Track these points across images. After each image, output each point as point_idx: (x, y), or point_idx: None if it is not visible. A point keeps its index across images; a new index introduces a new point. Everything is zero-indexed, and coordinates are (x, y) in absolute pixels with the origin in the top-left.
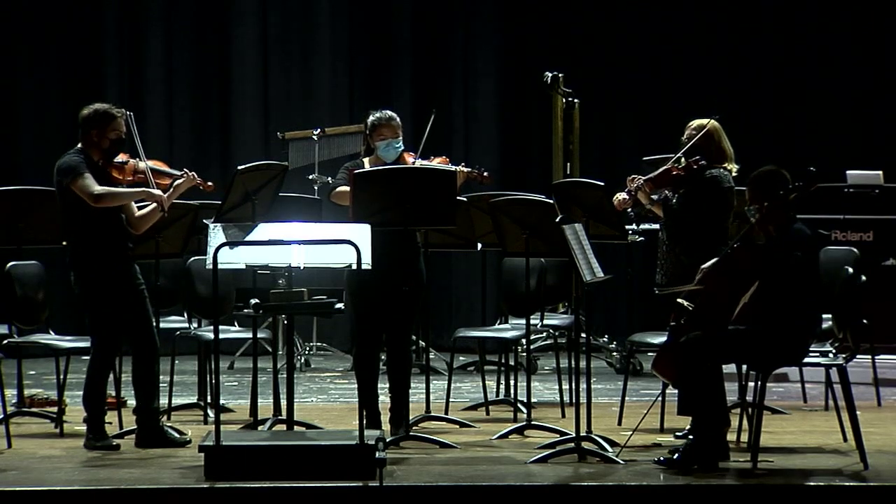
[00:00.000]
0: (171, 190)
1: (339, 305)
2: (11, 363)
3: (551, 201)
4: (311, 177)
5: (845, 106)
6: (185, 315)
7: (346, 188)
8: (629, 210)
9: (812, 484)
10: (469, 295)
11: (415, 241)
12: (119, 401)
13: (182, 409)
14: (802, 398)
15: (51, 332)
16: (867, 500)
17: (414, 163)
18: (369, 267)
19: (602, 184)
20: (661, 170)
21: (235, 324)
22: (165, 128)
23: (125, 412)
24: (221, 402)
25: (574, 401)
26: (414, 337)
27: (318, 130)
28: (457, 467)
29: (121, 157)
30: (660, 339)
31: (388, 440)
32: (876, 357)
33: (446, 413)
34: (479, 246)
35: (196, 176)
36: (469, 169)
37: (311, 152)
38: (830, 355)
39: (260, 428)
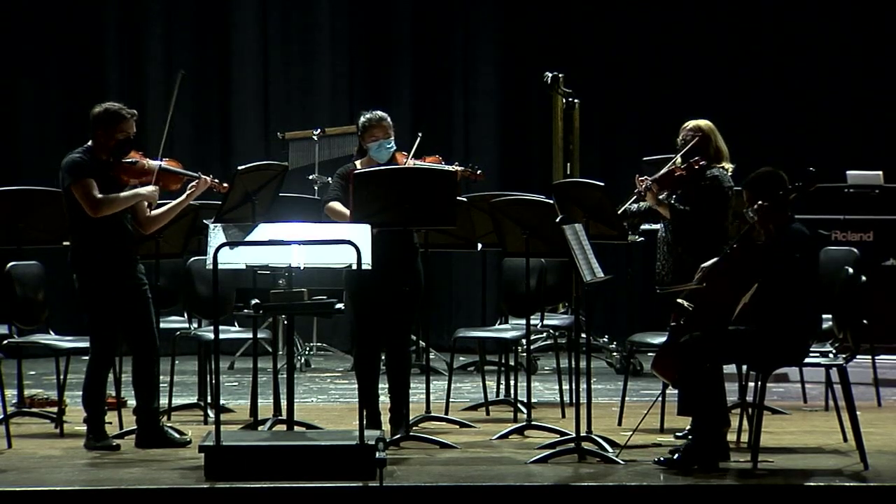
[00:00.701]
0: (186, 194)
1: (339, 306)
2: (11, 363)
3: (551, 201)
4: (311, 177)
5: (845, 106)
6: (185, 315)
7: (337, 204)
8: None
9: (812, 484)
10: (469, 295)
11: (412, 242)
12: (119, 401)
13: (182, 409)
14: (802, 398)
15: (51, 332)
16: (867, 500)
17: (406, 163)
18: (369, 267)
19: (602, 184)
20: (664, 171)
21: (235, 324)
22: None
23: (125, 412)
24: (221, 402)
25: (574, 401)
26: (414, 337)
27: (318, 130)
28: (457, 467)
29: (132, 157)
30: (660, 339)
31: (388, 440)
32: (876, 357)
33: (446, 413)
34: (480, 246)
35: (210, 178)
36: (462, 167)
37: (311, 152)
38: (830, 355)
39: (260, 428)
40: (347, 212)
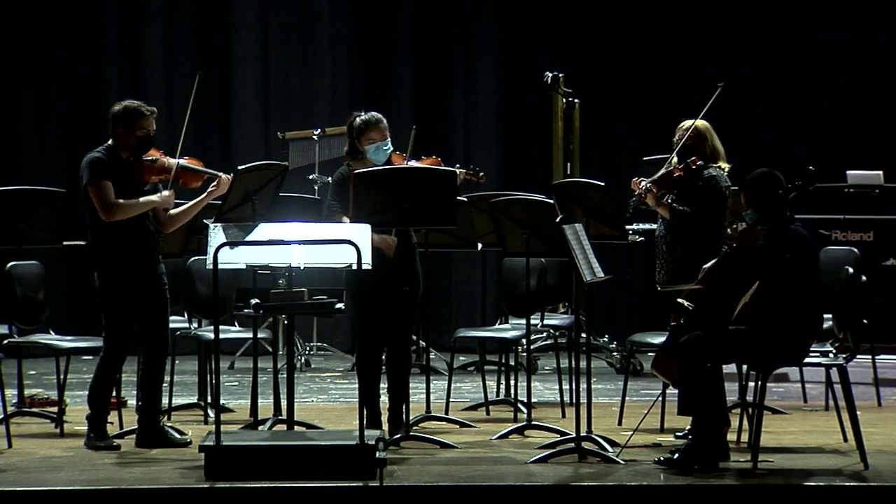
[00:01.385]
0: (207, 193)
1: (340, 305)
2: (11, 363)
3: (551, 201)
4: (311, 177)
5: (845, 106)
6: (186, 315)
7: (345, 219)
8: (630, 209)
9: (812, 484)
10: (469, 295)
11: (411, 242)
12: (119, 401)
13: (182, 409)
14: (802, 398)
15: (51, 332)
16: (867, 500)
17: (404, 164)
18: (370, 267)
19: (602, 184)
20: (662, 172)
21: (236, 324)
22: (166, 128)
23: (125, 412)
24: (221, 402)
25: (574, 401)
26: (414, 337)
27: (318, 130)
28: (457, 467)
29: (152, 154)
30: (660, 339)
31: (388, 440)
32: (876, 357)
33: (446, 413)
34: (480, 246)
35: (231, 178)
36: (464, 170)
37: (311, 152)
38: (830, 355)
39: (260, 428)
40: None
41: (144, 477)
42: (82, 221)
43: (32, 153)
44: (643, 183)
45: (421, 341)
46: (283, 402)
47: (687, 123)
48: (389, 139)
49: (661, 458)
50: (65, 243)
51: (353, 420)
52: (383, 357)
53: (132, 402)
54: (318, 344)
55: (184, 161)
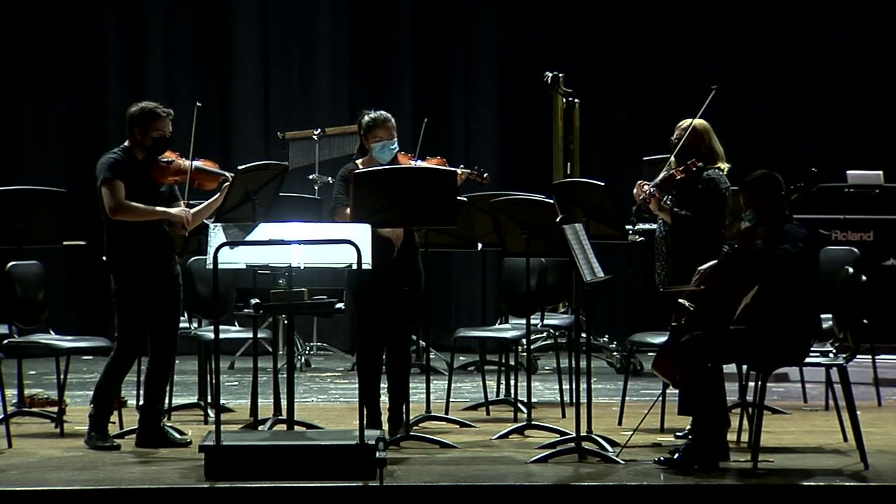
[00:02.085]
0: (219, 194)
1: (340, 305)
2: (11, 363)
3: (551, 201)
4: (311, 177)
5: (845, 106)
6: (186, 315)
7: (348, 210)
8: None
9: (812, 484)
10: (469, 295)
11: (413, 241)
12: (119, 401)
13: (182, 409)
14: (802, 398)
15: (51, 332)
16: (867, 500)
17: (409, 163)
18: (370, 267)
19: (602, 184)
20: (664, 176)
21: (236, 324)
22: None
23: (125, 412)
24: (221, 402)
25: (574, 401)
26: (414, 337)
27: (318, 130)
28: (457, 467)
29: (168, 156)
30: (660, 339)
31: (388, 440)
32: (876, 357)
33: (446, 413)
34: (480, 246)
35: None
36: (468, 170)
37: (311, 152)
38: (830, 355)
39: (260, 428)
40: None
41: (144, 477)
42: (82, 221)
43: (32, 153)
44: (646, 188)
45: (421, 341)
46: (283, 402)
47: (685, 123)
48: (396, 139)
49: (661, 458)
50: (65, 243)
51: (353, 420)
52: (383, 357)
53: (132, 402)
54: (318, 344)
55: (199, 163)
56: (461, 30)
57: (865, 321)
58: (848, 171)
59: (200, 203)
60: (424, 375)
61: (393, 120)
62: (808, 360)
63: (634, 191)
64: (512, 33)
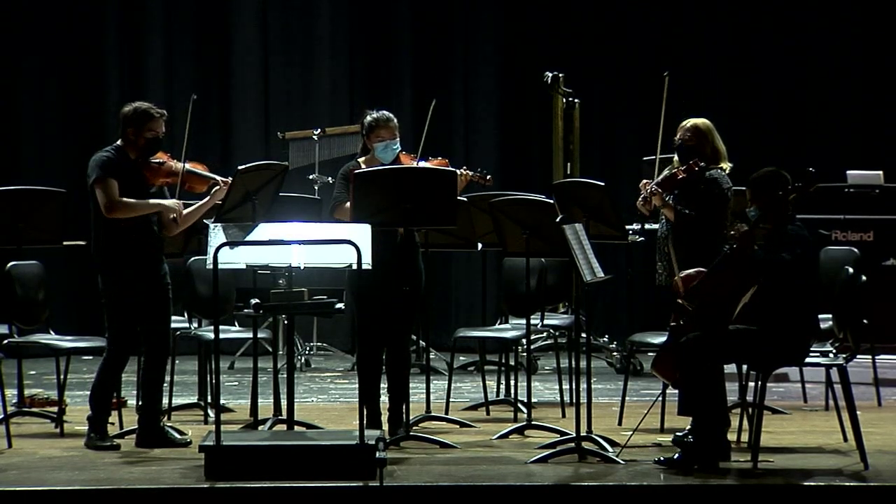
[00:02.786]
0: (209, 197)
1: (340, 305)
2: (11, 363)
3: (551, 201)
4: (311, 177)
5: (845, 106)
6: (186, 315)
7: (347, 205)
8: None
9: (812, 484)
10: (469, 295)
11: (413, 241)
12: (119, 401)
13: (182, 409)
14: (802, 398)
15: (51, 332)
16: (867, 500)
17: (412, 164)
18: (370, 267)
19: (602, 184)
20: (666, 174)
21: (236, 324)
22: (166, 128)
23: (125, 412)
24: (221, 402)
25: (574, 401)
26: (414, 337)
27: (318, 130)
28: (457, 467)
29: (159, 157)
30: (660, 339)
31: (388, 440)
32: (876, 357)
33: (446, 413)
34: (480, 246)
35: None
36: (471, 172)
37: (311, 152)
38: (830, 355)
39: (260, 428)
40: None
41: (144, 477)
42: (82, 221)
43: (32, 153)
44: (650, 186)
45: (421, 341)
46: (283, 402)
47: (688, 122)
48: (398, 139)
49: (661, 458)
50: (65, 243)
51: (353, 420)
52: (384, 357)
53: (132, 402)
54: (318, 344)
55: (189, 165)
56: (461, 30)
57: (865, 321)
58: (848, 171)
59: (191, 204)
60: (424, 375)
61: (395, 120)
62: (808, 360)
63: (640, 187)
64: (512, 33)
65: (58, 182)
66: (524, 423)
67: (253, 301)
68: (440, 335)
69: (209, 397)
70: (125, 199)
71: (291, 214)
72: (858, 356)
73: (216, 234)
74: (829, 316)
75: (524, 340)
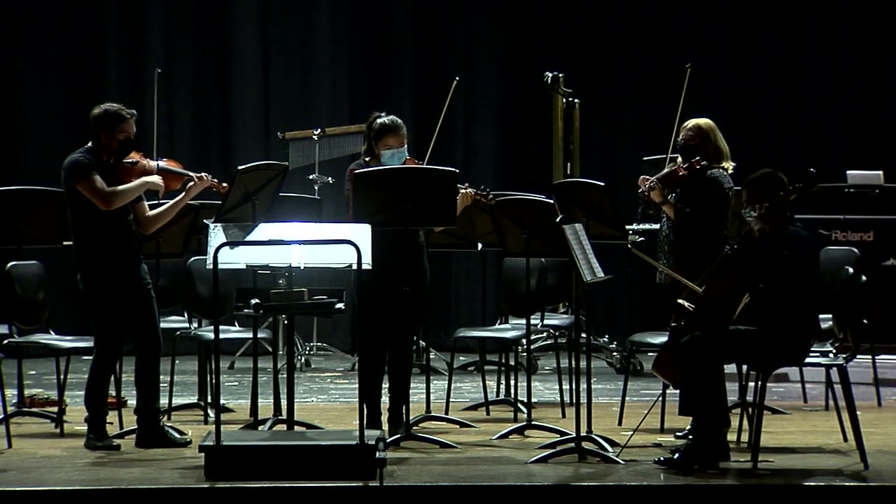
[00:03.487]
0: (184, 193)
1: (340, 305)
2: (11, 363)
3: (551, 201)
4: (311, 177)
5: (845, 106)
6: (186, 315)
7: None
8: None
9: (812, 484)
10: (469, 295)
11: (418, 240)
12: (119, 401)
13: (182, 409)
14: (802, 398)
15: (51, 332)
16: (867, 500)
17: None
18: (370, 267)
19: (602, 184)
20: (667, 171)
21: (236, 324)
22: (166, 128)
23: (125, 412)
24: (221, 402)
25: (574, 401)
26: (414, 337)
27: (318, 130)
28: (457, 467)
29: (132, 157)
30: (660, 339)
31: (388, 440)
32: (876, 357)
33: (446, 413)
34: (480, 246)
35: (209, 177)
36: (473, 190)
37: (311, 152)
38: (830, 355)
39: (260, 428)
40: None
41: (144, 477)
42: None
43: (32, 153)
44: (649, 181)
45: (421, 341)
46: (283, 402)
47: (691, 122)
48: (406, 146)
49: (661, 458)
50: (65, 243)
51: (353, 420)
52: (386, 357)
53: (132, 401)
54: (318, 344)
55: (163, 163)
56: (461, 30)
57: (865, 321)
58: (848, 171)
59: (164, 203)
60: (424, 375)
61: (404, 128)
62: (808, 360)
63: (639, 182)
64: (512, 33)
65: (58, 182)
66: (524, 423)
67: (253, 301)
68: (440, 335)
69: (209, 397)
70: (116, 187)
71: (291, 214)
72: (858, 356)
73: (216, 234)
74: (829, 316)
75: (524, 340)
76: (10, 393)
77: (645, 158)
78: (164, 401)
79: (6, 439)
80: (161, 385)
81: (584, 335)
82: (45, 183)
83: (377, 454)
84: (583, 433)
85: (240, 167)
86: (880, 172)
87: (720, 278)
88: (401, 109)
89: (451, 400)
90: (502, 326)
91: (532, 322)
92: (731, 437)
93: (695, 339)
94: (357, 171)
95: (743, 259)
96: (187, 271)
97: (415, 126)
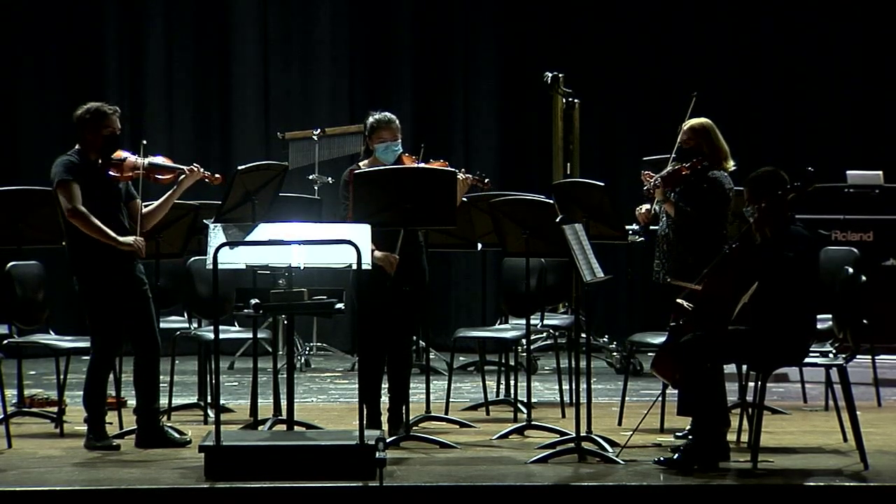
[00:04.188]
0: (176, 186)
1: (340, 305)
2: (11, 363)
3: (551, 201)
4: (311, 177)
5: (845, 106)
6: (185, 315)
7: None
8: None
9: (812, 484)
10: (469, 295)
11: (417, 240)
12: (119, 401)
13: (182, 409)
14: (802, 398)
15: (51, 332)
16: (867, 500)
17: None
18: (369, 267)
19: (602, 184)
20: (670, 169)
21: (235, 324)
22: (166, 128)
23: (125, 412)
24: (221, 402)
25: (574, 401)
26: (414, 337)
27: (318, 130)
28: (457, 467)
29: (120, 154)
30: (660, 339)
31: (388, 440)
32: (876, 357)
33: (446, 413)
34: (479, 246)
35: (200, 169)
36: (470, 175)
37: (311, 152)
38: (830, 355)
39: (260, 428)
40: None
41: (144, 477)
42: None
43: (32, 153)
44: (653, 178)
45: (421, 341)
46: (283, 402)
47: (688, 124)
48: (400, 140)
49: (661, 458)
50: (64, 243)
51: (353, 420)
52: (386, 357)
53: (132, 402)
54: (318, 344)
55: (154, 159)
56: (461, 30)
57: (865, 321)
58: (848, 171)
59: (152, 203)
60: (424, 375)
61: (397, 121)
62: (808, 360)
63: (642, 178)
64: (512, 33)
65: None
66: (524, 423)
67: (253, 301)
68: (440, 335)
69: (209, 397)
70: (88, 214)
71: (291, 214)
72: (858, 356)
73: (216, 234)
74: (829, 316)
75: (524, 340)
76: (10, 393)
77: (645, 158)
78: (163, 401)
79: (6, 439)
80: (161, 385)
81: (583, 335)
82: (45, 183)
83: (377, 454)
84: (583, 433)
85: (240, 167)
86: (880, 172)
87: (719, 276)
88: (401, 109)
89: (450, 400)
90: (502, 326)
91: (532, 322)
92: (731, 437)
93: (695, 338)
94: (357, 172)
95: (742, 258)
96: (187, 271)
97: (415, 126)
